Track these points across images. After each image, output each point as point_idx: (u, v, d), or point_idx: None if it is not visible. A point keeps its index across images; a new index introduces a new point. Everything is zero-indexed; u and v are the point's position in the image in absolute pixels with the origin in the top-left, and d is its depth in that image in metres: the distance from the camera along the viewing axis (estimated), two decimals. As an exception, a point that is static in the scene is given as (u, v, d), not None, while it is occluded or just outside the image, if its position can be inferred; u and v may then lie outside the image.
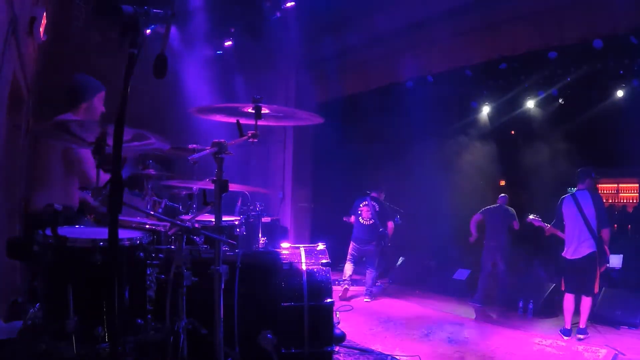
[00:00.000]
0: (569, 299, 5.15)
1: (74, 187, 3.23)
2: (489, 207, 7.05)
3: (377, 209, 6.83)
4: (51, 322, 2.19)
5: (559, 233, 5.37)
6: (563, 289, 5.26)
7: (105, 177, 2.61)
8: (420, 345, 4.77)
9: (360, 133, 9.52)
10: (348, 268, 6.90)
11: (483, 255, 6.83)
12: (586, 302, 5.04)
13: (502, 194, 7.14)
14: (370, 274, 6.78)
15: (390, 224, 6.85)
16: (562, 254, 5.27)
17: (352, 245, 6.95)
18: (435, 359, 4.39)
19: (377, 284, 7.52)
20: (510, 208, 6.90)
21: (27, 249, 2.33)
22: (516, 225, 6.77)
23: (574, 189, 5.41)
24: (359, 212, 6.88)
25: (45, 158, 3.11)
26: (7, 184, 4.32)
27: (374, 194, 7.02)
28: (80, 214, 3.22)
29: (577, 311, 5.11)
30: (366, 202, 6.88)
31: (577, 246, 5.10)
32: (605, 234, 5.09)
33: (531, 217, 5.56)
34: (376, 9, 6.81)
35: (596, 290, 5.07)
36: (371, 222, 6.78)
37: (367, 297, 6.70)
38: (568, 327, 5.11)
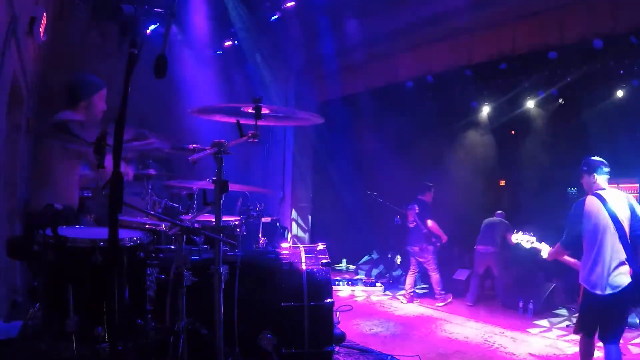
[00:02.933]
0: (588, 342, 3.48)
1: (74, 186, 3.23)
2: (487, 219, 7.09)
3: (417, 211, 6.95)
4: (51, 322, 2.19)
5: (567, 258, 3.72)
6: (576, 332, 3.63)
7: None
8: (420, 345, 4.77)
9: (360, 133, 9.52)
10: (408, 275, 7.07)
11: (475, 259, 6.84)
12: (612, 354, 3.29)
13: (499, 211, 7.18)
14: (432, 277, 6.71)
15: (429, 222, 6.78)
16: (581, 281, 3.49)
17: (407, 251, 7.16)
18: (435, 358, 4.39)
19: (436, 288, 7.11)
20: (506, 221, 6.93)
21: (27, 249, 2.33)
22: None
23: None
24: (407, 216, 7.13)
25: (46, 157, 3.11)
26: (7, 183, 4.32)
27: (419, 197, 7.17)
28: (80, 212, 3.21)
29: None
30: (410, 206, 7.11)
31: (608, 275, 3.29)
32: None
33: (516, 239, 4.05)
34: (376, 9, 6.81)
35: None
36: (414, 224, 6.94)
37: (438, 302, 6.60)
38: None
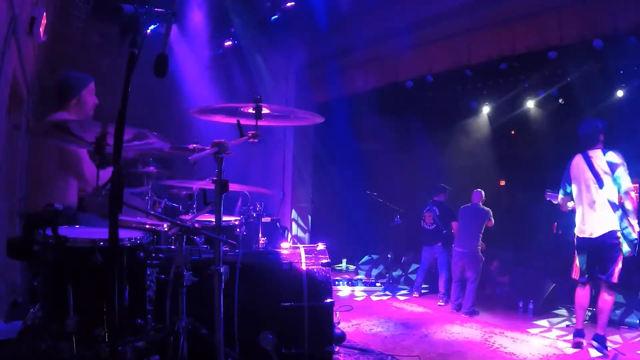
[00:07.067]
0: (582, 293, 4.45)
1: (73, 186, 3.22)
2: (463, 206, 6.59)
3: (438, 213, 7.02)
4: (51, 322, 2.19)
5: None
6: (574, 276, 4.57)
7: (104, 177, 2.61)
8: (420, 345, 4.77)
9: (360, 133, 9.52)
10: (419, 274, 7.19)
11: (452, 261, 6.44)
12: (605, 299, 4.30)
13: (477, 190, 6.60)
14: (442, 277, 6.73)
15: (454, 224, 6.75)
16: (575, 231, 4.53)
17: (423, 249, 7.19)
18: (435, 359, 4.39)
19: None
20: (484, 207, 6.36)
21: (27, 249, 2.33)
22: (490, 224, 6.32)
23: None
24: (423, 217, 7.19)
25: (44, 157, 3.11)
26: (7, 184, 4.32)
27: (435, 198, 7.23)
28: (80, 210, 3.21)
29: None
30: (428, 208, 7.17)
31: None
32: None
33: (549, 193, 4.81)
34: (376, 9, 6.81)
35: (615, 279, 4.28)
36: (433, 226, 7.01)
37: (440, 301, 6.59)
38: (580, 326, 4.46)
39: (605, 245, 4.23)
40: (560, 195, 4.69)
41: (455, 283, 6.31)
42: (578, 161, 4.55)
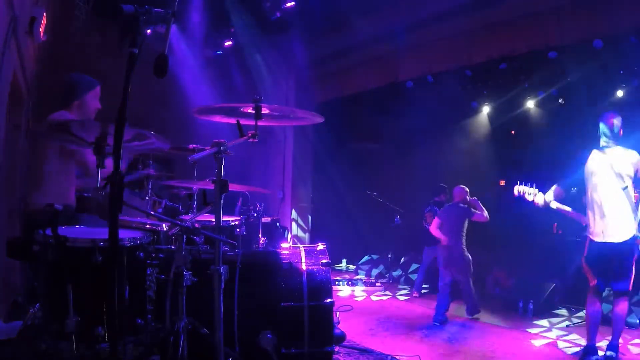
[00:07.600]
0: (595, 305, 3.95)
1: (73, 186, 3.23)
2: (446, 205, 6.30)
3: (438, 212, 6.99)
4: (51, 322, 2.19)
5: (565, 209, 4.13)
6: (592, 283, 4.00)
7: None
8: (420, 345, 4.77)
9: (360, 133, 9.52)
10: (419, 274, 7.24)
11: (442, 265, 6.03)
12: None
13: (458, 186, 6.14)
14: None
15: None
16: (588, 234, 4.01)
17: (424, 249, 7.21)
18: (435, 359, 4.39)
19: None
20: (464, 205, 5.95)
21: (27, 249, 2.33)
22: (479, 219, 5.88)
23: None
24: (424, 217, 7.21)
25: (44, 157, 3.11)
26: (7, 184, 4.32)
27: (436, 199, 7.27)
28: (79, 210, 3.21)
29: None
30: (429, 208, 7.21)
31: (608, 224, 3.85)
32: None
33: (519, 190, 4.17)
34: (376, 9, 6.81)
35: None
36: None
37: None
38: (593, 342, 3.92)
39: (625, 251, 3.79)
40: (556, 187, 4.18)
41: (443, 287, 5.88)
42: (598, 158, 4.03)
